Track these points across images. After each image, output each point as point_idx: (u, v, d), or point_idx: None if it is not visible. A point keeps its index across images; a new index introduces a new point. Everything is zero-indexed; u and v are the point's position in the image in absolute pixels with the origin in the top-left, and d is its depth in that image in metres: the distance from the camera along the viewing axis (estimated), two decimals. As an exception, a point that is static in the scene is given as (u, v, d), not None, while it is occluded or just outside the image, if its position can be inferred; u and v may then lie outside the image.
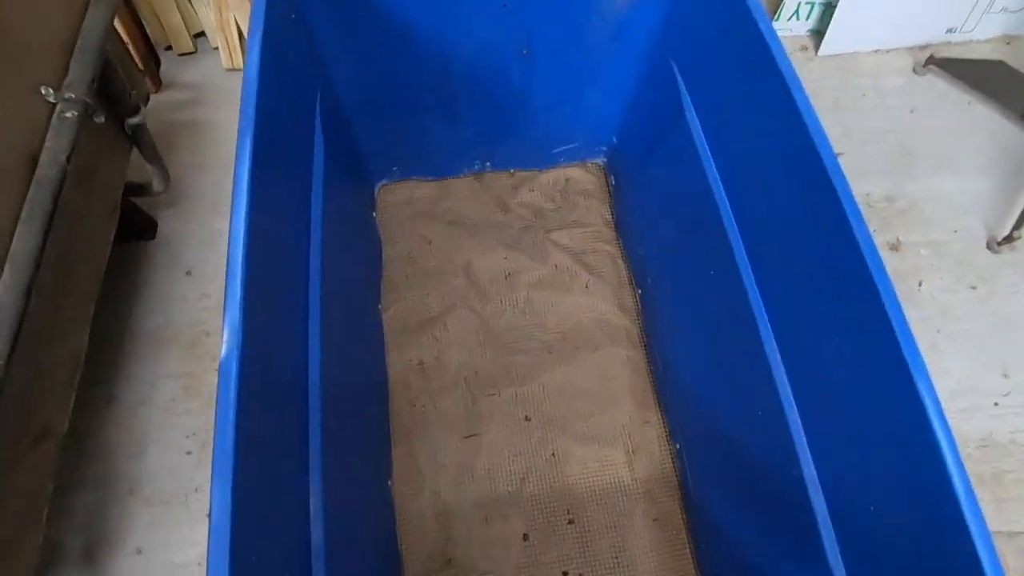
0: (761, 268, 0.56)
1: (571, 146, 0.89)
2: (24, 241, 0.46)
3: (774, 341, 0.54)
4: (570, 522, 0.74)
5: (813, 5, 1.07)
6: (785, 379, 0.53)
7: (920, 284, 0.93)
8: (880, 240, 0.96)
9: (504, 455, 0.76)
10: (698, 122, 0.65)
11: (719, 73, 0.61)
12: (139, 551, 0.73)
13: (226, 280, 0.38)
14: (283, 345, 0.46)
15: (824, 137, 0.47)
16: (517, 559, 0.72)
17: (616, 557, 0.72)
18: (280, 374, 0.44)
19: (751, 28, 0.52)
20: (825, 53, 1.10)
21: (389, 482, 0.72)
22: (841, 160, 1.04)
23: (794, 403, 0.52)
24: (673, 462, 0.77)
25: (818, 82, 1.09)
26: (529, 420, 0.78)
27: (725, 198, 0.61)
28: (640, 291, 0.84)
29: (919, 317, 0.90)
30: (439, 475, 0.75)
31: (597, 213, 0.90)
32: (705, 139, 0.64)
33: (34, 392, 0.50)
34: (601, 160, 0.92)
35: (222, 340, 0.36)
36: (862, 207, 0.97)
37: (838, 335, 0.47)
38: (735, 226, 0.59)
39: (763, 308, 0.56)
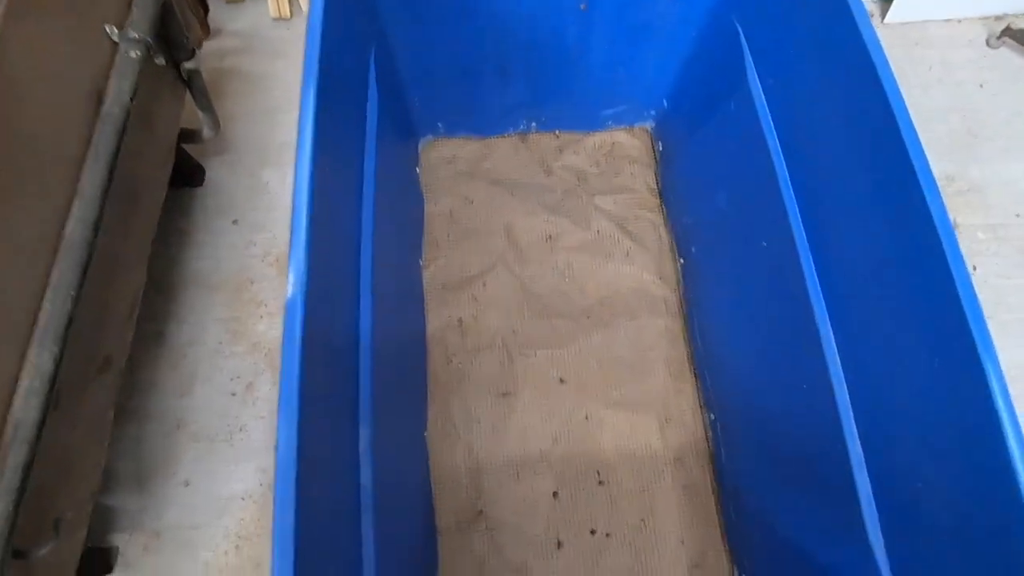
0: (819, 241, 0.55)
1: (620, 108, 0.87)
2: (92, 177, 0.47)
3: (827, 314, 0.53)
4: (600, 483, 0.75)
5: (885, -31, 1.01)
6: (836, 354, 0.52)
7: (975, 268, 0.90)
8: (935, 222, 0.93)
9: (537, 415, 0.77)
10: (760, 88, 0.62)
11: (789, 36, 0.58)
12: (187, 483, 0.76)
13: (291, 226, 0.38)
14: (339, 294, 0.47)
15: (906, 112, 0.45)
16: (546, 515, 0.73)
17: (643, 520, 0.74)
18: (336, 322, 0.45)
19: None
20: (891, 21, 1.04)
21: (425, 434, 0.74)
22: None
23: (844, 379, 0.52)
24: (706, 432, 0.77)
25: (882, 52, 1.04)
26: (564, 383, 0.79)
27: (785, 169, 0.59)
28: (683, 261, 0.83)
29: (970, 303, 0.87)
30: (473, 431, 0.76)
31: (642, 179, 0.88)
32: (768, 106, 0.62)
33: (100, 324, 0.52)
34: (649, 125, 0.90)
35: (288, 282, 0.37)
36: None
37: (900, 314, 0.45)
38: (793, 198, 0.58)
39: (817, 282, 0.55)
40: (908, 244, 0.44)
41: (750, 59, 0.63)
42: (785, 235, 0.58)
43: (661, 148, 0.89)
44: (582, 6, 0.67)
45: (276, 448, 0.33)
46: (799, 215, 0.57)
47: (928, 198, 0.42)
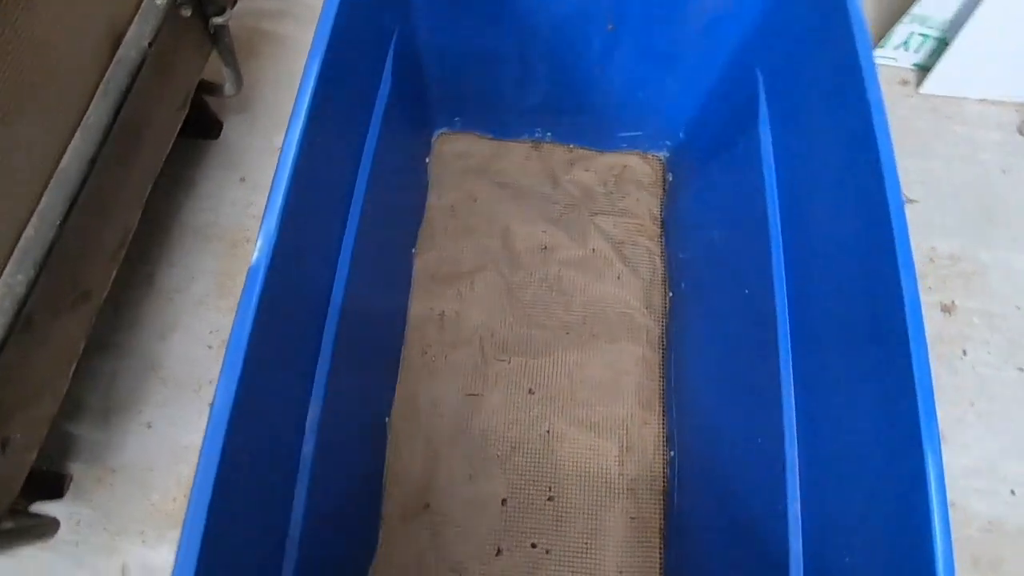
0: (796, 298, 0.55)
1: (636, 133, 0.87)
2: (97, 114, 0.49)
3: (791, 374, 0.53)
4: (549, 499, 0.75)
5: (926, 38, 1.00)
6: (793, 414, 0.52)
7: (964, 352, 0.89)
8: (933, 299, 0.92)
9: (501, 420, 0.78)
10: (770, 137, 0.62)
11: (803, 92, 0.58)
12: (149, 425, 0.78)
13: (271, 188, 0.39)
14: (314, 261, 0.47)
15: (896, 181, 0.45)
16: (492, 521, 0.74)
17: (587, 543, 0.74)
18: (305, 287, 0.46)
19: (848, 51, 0.49)
20: (927, 92, 1.03)
21: (387, 419, 0.74)
22: (914, 208, 0.99)
23: (796, 440, 0.51)
24: (664, 468, 0.77)
25: (910, 121, 1.03)
26: (532, 393, 0.79)
27: (778, 220, 0.59)
28: (672, 294, 0.83)
29: (953, 386, 0.86)
30: (435, 424, 0.77)
31: (646, 207, 0.88)
32: (773, 155, 0.62)
33: (83, 257, 0.53)
34: (663, 154, 0.90)
35: (256, 247, 0.37)
36: (924, 261, 0.94)
37: (858, 383, 0.45)
38: (781, 250, 0.58)
39: (789, 338, 0.55)
40: (876, 320, 0.44)
41: (764, 107, 0.63)
42: (766, 286, 0.57)
43: (671, 179, 0.89)
44: (609, 27, 0.67)
45: (212, 403, 0.34)
46: (783, 270, 0.57)
47: (902, 274, 0.41)
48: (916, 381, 0.39)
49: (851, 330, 0.47)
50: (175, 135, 0.67)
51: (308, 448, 0.46)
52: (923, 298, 0.90)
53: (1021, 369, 0.88)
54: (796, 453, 0.51)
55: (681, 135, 0.84)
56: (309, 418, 0.47)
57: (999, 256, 0.94)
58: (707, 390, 0.69)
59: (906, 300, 0.41)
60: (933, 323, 0.91)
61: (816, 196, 0.55)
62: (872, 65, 0.49)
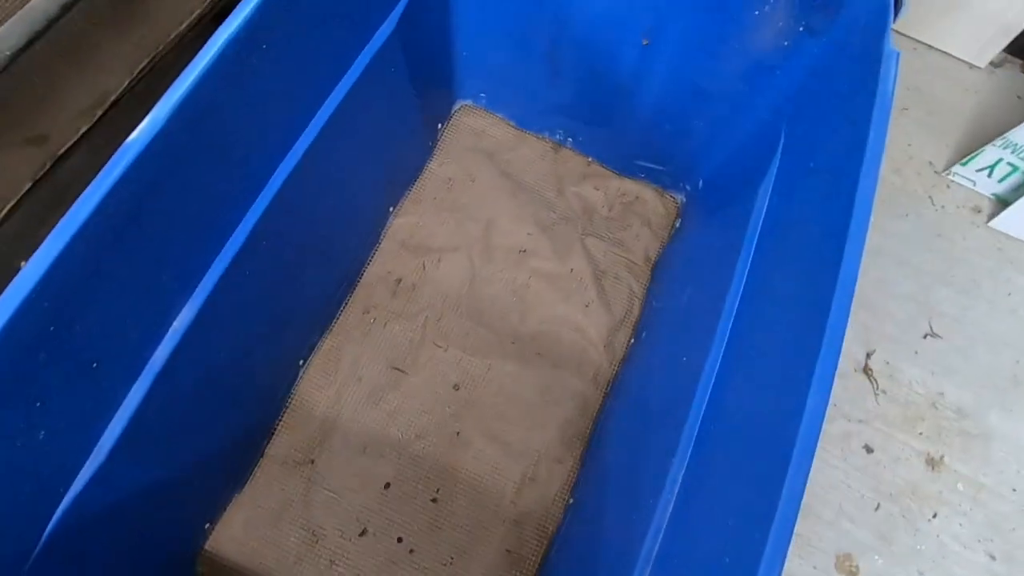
0: (718, 387, 0.49)
1: (658, 167, 0.82)
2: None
3: (681, 471, 0.48)
4: (433, 500, 0.72)
5: (1015, 170, 0.90)
6: (670, 506, 0.47)
7: (934, 516, 0.79)
8: (921, 447, 0.82)
9: (416, 405, 0.75)
10: (766, 203, 0.57)
11: (808, 167, 0.52)
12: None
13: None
14: (235, 158, 0.45)
15: (847, 297, 0.39)
16: (367, 500, 0.71)
17: (452, 558, 0.70)
18: (209, 182, 0.44)
19: (857, 140, 0.44)
20: (996, 227, 0.93)
21: (301, 362, 0.73)
22: (935, 345, 0.89)
23: (663, 530, 0.46)
24: (560, 513, 0.72)
25: (968, 253, 0.93)
26: (457, 390, 0.76)
27: (739, 295, 0.53)
28: (634, 341, 0.78)
29: (909, 547, 0.77)
30: (350, 385, 0.74)
31: (644, 245, 0.83)
32: (761, 223, 0.56)
33: (42, 99, 0.53)
34: (680, 197, 0.84)
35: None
36: (926, 405, 0.84)
37: (733, 490, 0.40)
38: (728, 329, 0.52)
39: (696, 427, 0.50)
40: (771, 440, 0.38)
41: (774, 169, 0.58)
42: (698, 364, 0.52)
43: (678, 225, 0.83)
44: (644, 42, 0.63)
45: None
46: (721, 352, 0.52)
47: (809, 401, 0.36)
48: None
49: (745, 444, 0.42)
50: (196, 20, 0.67)
51: (163, 353, 0.45)
52: (912, 444, 0.82)
53: (992, 557, 0.77)
54: (658, 543, 0.46)
55: (701, 183, 0.79)
56: (180, 318, 0.45)
57: (1011, 426, 0.84)
58: (614, 447, 0.64)
59: (802, 428, 0.35)
60: (912, 472, 0.82)
61: (776, 283, 0.49)
62: (874, 169, 0.43)
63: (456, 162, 0.85)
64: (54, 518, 0.41)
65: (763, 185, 0.59)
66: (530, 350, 0.78)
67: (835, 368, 0.37)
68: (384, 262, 0.80)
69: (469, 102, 0.86)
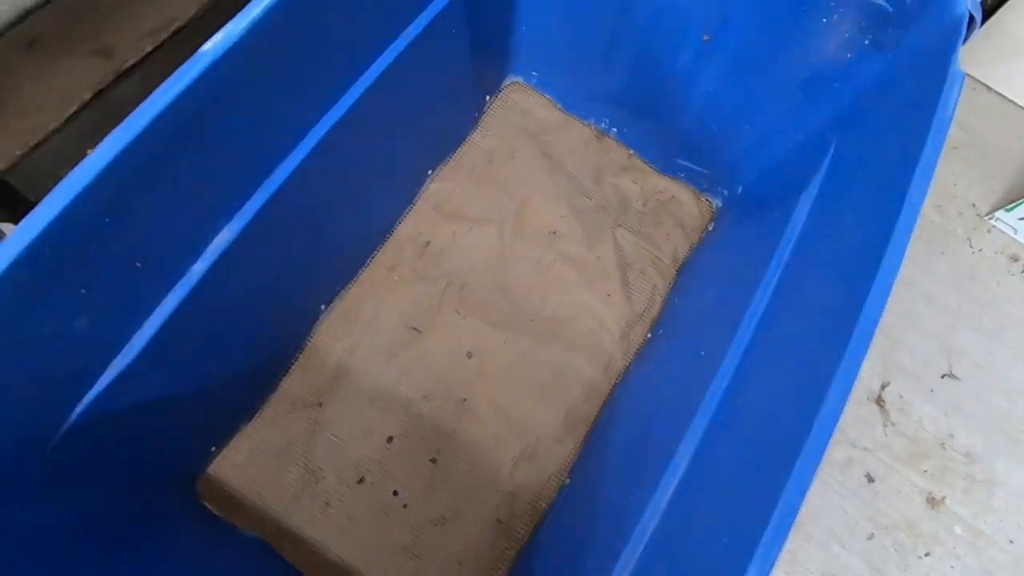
0: (736, 384, 0.50)
1: (699, 169, 0.82)
2: None
3: (682, 467, 0.48)
4: (432, 460, 0.73)
5: (1060, 222, 0.89)
6: (664, 506, 0.48)
7: (927, 554, 0.79)
8: (924, 485, 0.82)
9: (427, 365, 0.76)
10: (805, 214, 0.57)
11: (855, 184, 0.52)
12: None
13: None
14: (279, 99, 0.46)
15: (870, 326, 0.39)
16: (369, 450, 0.72)
17: (443, 519, 0.71)
18: (261, 135, 0.45)
19: (906, 169, 0.43)
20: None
21: (323, 307, 0.74)
22: (953, 386, 0.88)
23: (656, 521, 0.47)
24: (554, 492, 0.73)
25: (1000, 299, 0.92)
26: (470, 358, 0.77)
27: (764, 302, 0.53)
28: (650, 336, 0.78)
29: (894, 579, 0.77)
30: (367, 337, 0.76)
31: (674, 246, 0.83)
32: (798, 233, 0.56)
33: (109, 14, 0.55)
34: (717, 202, 0.84)
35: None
36: (934, 445, 0.84)
37: (734, 486, 0.40)
38: (750, 333, 0.52)
39: (708, 419, 0.50)
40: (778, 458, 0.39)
41: (819, 180, 0.58)
42: (717, 358, 0.53)
43: (711, 229, 0.83)
44: (705, 37, 0.63)
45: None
46: (741, 351, 0.52)
47: (816, 428, 0.36)
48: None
49: (751, 446, 0.42)
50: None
51: (198, 270, 0.46)
52: (914, 480, 0.81)
53: (980, 604, 0.77)
54: (650, 532, 0.47)
55: (740, 189, 0.79)
56: (216, 241, 0.47)
57: (1019, 476, 0.82)
58: (617, 436, 0.64)
59: (808, 442, 0.35)
60: (910, 508, 0.81)
61: (805, 294, 0.49)
62: (921, 191, 0.43)
63: (499, 136, 0.86)
64: (78, 409, 0.43)
65: (804, 195, 0.59)
66: (547, 330, 0.78)
67: (849, 389, 0.37)
68: (416, 223, 0.81)
69: (520, 79, 0.87)
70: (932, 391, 0.86)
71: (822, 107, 0.62)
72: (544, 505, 0.72)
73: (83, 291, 0.37)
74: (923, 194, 0.44)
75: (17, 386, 0.37)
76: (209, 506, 0.67)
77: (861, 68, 0.57)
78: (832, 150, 0.59)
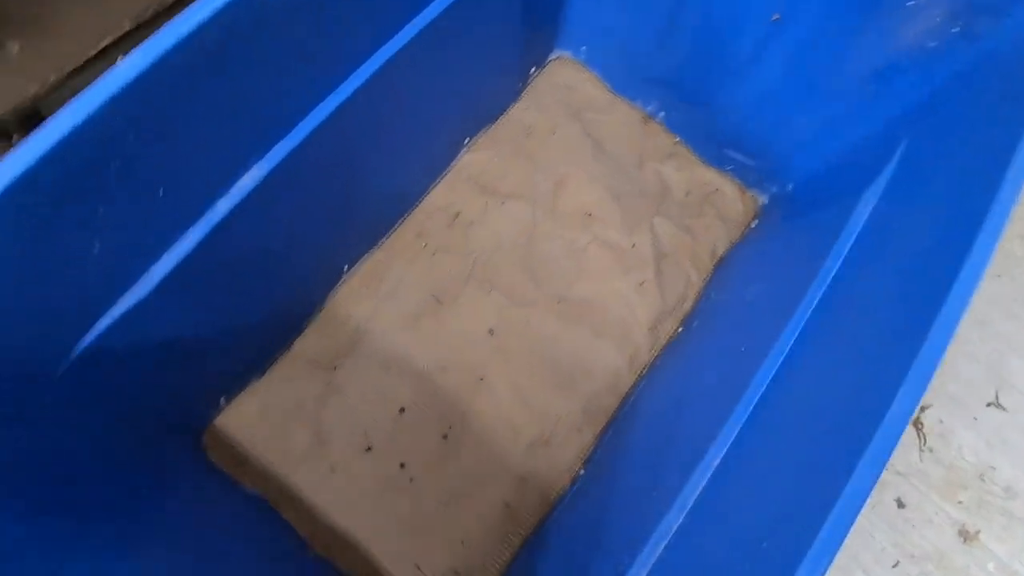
0: (775, 385, 0.46)
1: (746, 161, 0.78)
2: None
3: (714, 465, 0.45)
4: (444, 436, 0.70)
5: None
6: (689, 505, 0.44)
7: (954, 589, 0.74)
8: (957, 516, 0.77)
9: (446, 337, 0.73)
10: (867, 213, 0.53)
11: (931, 192, 0.48)
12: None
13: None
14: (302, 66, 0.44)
15: (932, 362, 0.35)
16: (379, 419, 0.70)
17: (451, 499, 0.68)
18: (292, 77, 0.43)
19: (992, 173, 0.39)
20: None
21: (346, 267, 0.72)
22: (997, 415, 0.83)
23: (682, 519, 0.44)
24: (568, 481, 0.70)
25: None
26: (491, 335, 0.74)
27: (816, 300, 0.50)
28: (682, 329, 0.74)
29: (916, 610, 0.72)
30: (386, 304, 0.74)
31: (713, 241, 0.79)
32: (856, 235, 0.52)
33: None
34: (763, 198, 0.80)
35: None
36: (972, 475, 0.79)
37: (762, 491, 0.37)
38: (798, 330, 0.49)
39: (745, 416, 0.46)
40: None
41: (884, 180, 0.54)
42: (760, 355, 0.49)
43: (754, 226, 0.79)
44: (774, 16, 0.59)
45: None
46: (787, 350, 0.48)
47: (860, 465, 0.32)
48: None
49: (795, 454, 0.39)
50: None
51: (215, 215, 0.44)
52: (948, 511, 0.77)
53: (1007, 647, 0.72)
54: (674, 530, 0.44)
55: (791, 186, 0.74)
56: (247, 176, 0.44)
57: (1062, 518, 0.77)
58: (639, 429, 0.61)
59: (858, 470, 0.32)
60: (942, 539, 0.76)
61: (864, 299, 0.45)
62: (1010, 198, 0.39)
63: (541, 111, 0.83)
64: (87, 338, 0.41)
65: (868, 192, 0.55)
66: (574, 314, 0.75)
67: (912, 411, 0.33)
68: (447, 192, 0.78)
69: (568, 53, 0.84)
70: (975, 419, 0.81)
71: (894, 100, 0.57)
72: (555, 494, 0.69)
73: (100, 210, 0.35)
74: (1012, 201, 0.40)
75: (26, 308, 0.36)
76: (213, 458, 0.66)
77: (945, 59, 0.53)
78: (902, 148, 0.54)
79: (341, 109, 0.49)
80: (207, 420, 0.66)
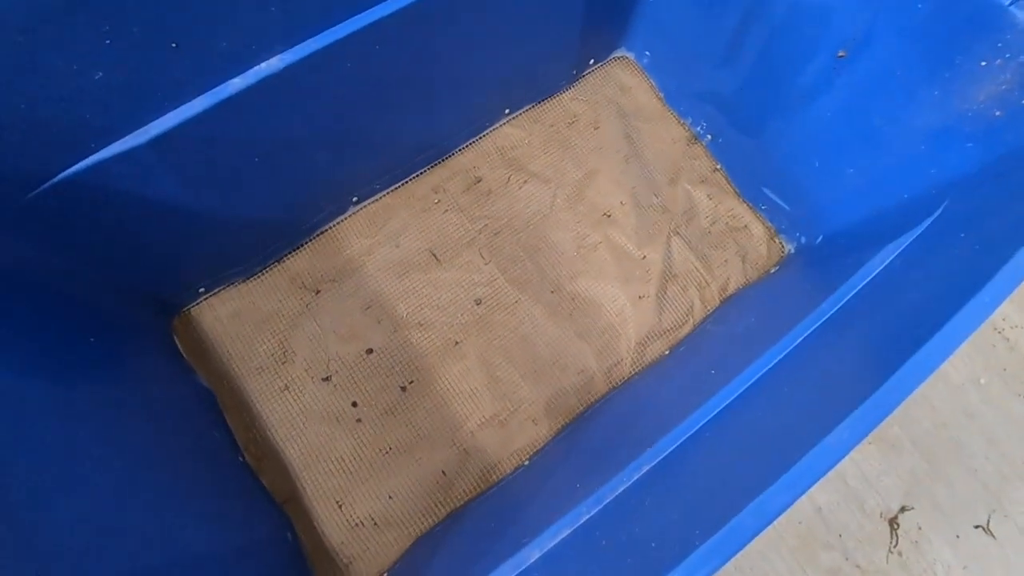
0: (733, 409, 0.43)
1: (781, 204, 0.75)
2: None
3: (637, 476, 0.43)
4: (402, 388, 0.70)
5: None
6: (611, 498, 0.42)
7: None
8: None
9: (433, 297, 0.73)
10: (881, 266, 0.50)
11: (959, 252, 0.45)
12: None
13: None
14: None
15: (889, 405, 0.32)
16: (345, 353, 0.70)
17: (391, 448, 0.68)
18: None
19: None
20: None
21: (354, 199, 0.72)
22: (983, 540, 0.76)
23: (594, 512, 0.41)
24: (511, 468, 0.68)
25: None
26: (478, 304, 0.73)
27: (801, 336, 0.47)
28: (668, 353, 0.72)
29: None
30: (386, 246, 0.74)
31: (727, 277, 0.76)
32: (864, 285, 0.49)
33: None
34: (790, 246, 0.77)
35: None
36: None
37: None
38: (770, 364, 0.46)
39: (689, 432, 0.44)
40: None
41: (908, 240, 0.50)
42: (722, 380, 0.47)
43: (774, 272, 0.76)
44: (840, 53, 0.57)
45: None
46: (752, 381, 0.46)
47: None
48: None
49: (718, 473, 0.36)
50: None
51: (241, 83, 0.44)
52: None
53: None
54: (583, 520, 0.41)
55: (820, 238, 0.71)
56: (272, 60, 0.45)
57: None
58: (593, 435, 0.59)
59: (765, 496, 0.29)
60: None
61: (840, 352, 0.42)
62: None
63: (589, 104, 0.82)
64: (75, 167, 0.42)
65: (887, 249, 0.52)
66: (564, 308, 0.73)
67: (829, 467, 0.31)
68: (475, 156, 0.78)
69: (631, 55, 0.83)
70: (958, 537, 0.75)
71: (946, 165, 0.54)
72: (495, 477, 0.67)
73: (107, 42, 0.36)
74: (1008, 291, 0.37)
75: (18, 112, 0.37)
76: (178, 342, 0.67)
77: (1008, 132, 0.49)
78: (940, 212, 0.51)
79: (383, 23, 0.48)
80: (181, 305, 0.67)
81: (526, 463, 0.67)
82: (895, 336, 0.37)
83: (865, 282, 0.49)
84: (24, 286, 0.45)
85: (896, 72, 0.55)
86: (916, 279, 0.46)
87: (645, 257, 0.76)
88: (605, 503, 0.42)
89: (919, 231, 0.51)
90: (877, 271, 0.50)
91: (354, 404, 0.69)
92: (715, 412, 0.44)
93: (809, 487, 0.29)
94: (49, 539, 0.37)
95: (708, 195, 0.79)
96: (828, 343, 0.44)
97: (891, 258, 0.50)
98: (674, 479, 0.39)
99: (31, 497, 0.38)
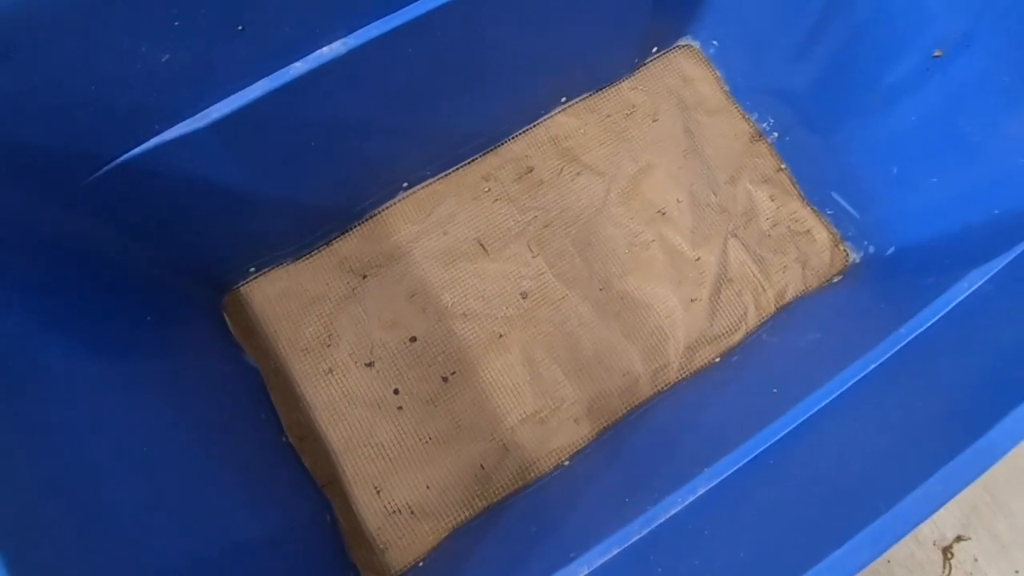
0: (797, 435, 0.41)
1: (851, 210, 0.70)
2: None
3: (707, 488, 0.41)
4: (444, 379, 0.69)
5: None
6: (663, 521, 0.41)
7: None
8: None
9: (479, 287, 0.72)
10: (969, 292, 0.46)
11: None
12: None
13: None
14: None
15: (981, 465, 0.29)
16: (389, 340, 0.70)
17: (431, 438, 0.67)
18: None
19: None
20: None
21: (405, 184, 0.71)
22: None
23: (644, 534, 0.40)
24: (550, 467, 0.67)
25: None
26: (524, 298, 0.72)
27: (873, 364, 0.44)
28: (719, 360, 0.69)
29: None
30: (433, 233, 0.73)
31: (784, 283, 0.73)
32: (950, 310, 0.46)
33: None
34: (857, 255, 0.72)
35: None
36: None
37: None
38: (839, 390, 0.43)
39: (750, 456, 0.42)
40: None
41: (998, 264, 0.46)
42: (788, 402, 0.44)
43: (836, 281, 0.72)
44: (936, 52, 0.52)
45: None
46: (821, 406, 0.43)
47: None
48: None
49: (787, 507, 0.34)
50: None
51: (303, 67, 0.43)
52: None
53: None
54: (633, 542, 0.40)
55: (891, 250, 0.67)
56: (333, 46, 0.44)
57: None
58: (638, 440, 0.57)
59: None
60: None
61: (923, 387, 0.40)
62: None
63: (649, 94, 0.78)
64: (136, 149, 0.42)
65: (977, 271, 0.48)
66: (613, 307, 0.71)
67: (923, 518, 0.28)
68: (527, 145, 0.76)
69: (696, 44, 0.79)
70: (1016, 572, 0.71)
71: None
72: (533, 475, 0.67)
73: (176, 24, 0.35)
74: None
75: (83, 94, 0.37)
76: (227, 319, 0.67)
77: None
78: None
79: (447, 8, 0.47)
80: (232, 284, 0.68)
81: (566, 463, 0.66)
82: (989, 379, 0.34)
83: (949, 308, 0.46)
84: (83, 263, 0.46)
85: (997, 76, 0.50)
86: (1010, 309, 0.42)
87: (699, 259, 0.73)
88: (657, 523, 0.40)
89: (1014, 254, 0.47)
90: (963, 296, 0.46)
91: (396, 391, 0.69)
92: (778, 436, 0.42)
93: (892, 545, 0.27)
94: (101, 516, 0.38)
95: (770, 196, 0.75)
96: (910, 372, 0.41)
97: (981, 282, 0.46)
98: (736, 508, 0.38)
99: (89, 472, 0.39)
